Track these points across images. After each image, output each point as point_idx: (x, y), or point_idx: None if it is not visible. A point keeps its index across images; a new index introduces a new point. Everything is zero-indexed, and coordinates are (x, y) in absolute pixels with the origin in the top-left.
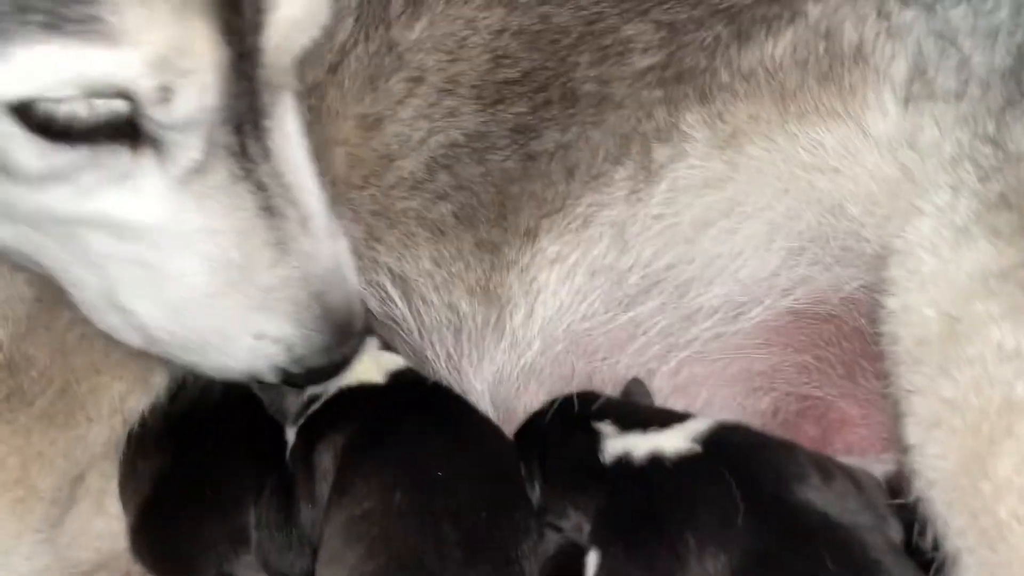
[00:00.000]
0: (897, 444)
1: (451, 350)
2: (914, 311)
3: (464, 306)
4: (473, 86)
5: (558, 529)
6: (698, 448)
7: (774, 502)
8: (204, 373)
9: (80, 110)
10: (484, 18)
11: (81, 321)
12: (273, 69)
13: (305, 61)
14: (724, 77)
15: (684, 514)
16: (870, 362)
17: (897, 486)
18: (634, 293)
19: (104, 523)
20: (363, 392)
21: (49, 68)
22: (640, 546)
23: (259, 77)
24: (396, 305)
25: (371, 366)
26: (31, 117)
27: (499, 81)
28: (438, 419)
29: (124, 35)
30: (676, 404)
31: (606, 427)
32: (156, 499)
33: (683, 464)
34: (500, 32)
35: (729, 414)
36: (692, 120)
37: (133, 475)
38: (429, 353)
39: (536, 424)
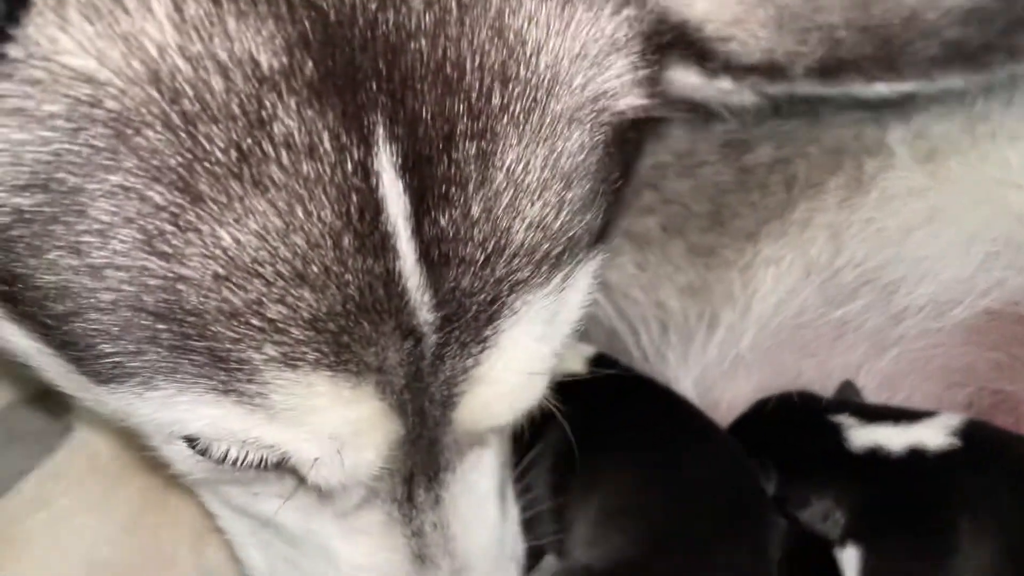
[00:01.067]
0: None
1: (658, 342)
2: None
3: (673, 303)
4: None
5: (795, 520)
6: (957, 441)
7: None
8: None
9: (234, 451)
10: None
11: None
12: (463, 435)
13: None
14: (920, 99)
15: (953, 503)
16: None
17: None
18: (846, 292)
19: None
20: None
21: (210, 422)
22: (911, 536)
23: (444, 441)
24: (597, 303)
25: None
26: (194, 444)
27: None
28: (662, 409)
29: (287, 413)
30: (878, 398)
31: (846, 419)
32: None
33: (945, 456)
34: None
35: (927, 407)
36: (897, 137)
37: None
38: (630, 342)
39: (762, 417)
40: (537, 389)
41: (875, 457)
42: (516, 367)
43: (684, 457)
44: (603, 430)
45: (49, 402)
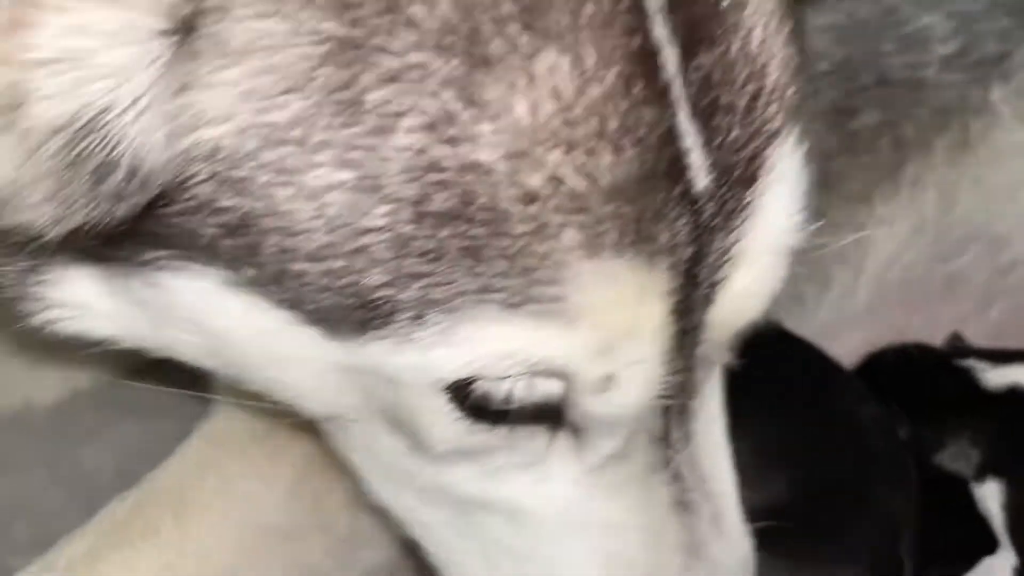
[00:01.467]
0: None
1: None
2: None
3: None
4: None
5: (927, 463)
6: None
7: None
8: None
9: (518, 390)
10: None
11: None
12: (711, 344)
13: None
14: (1018, 59)
15: None
16: None
17: None
18: (955, 247)
19: None
20: None
21: (500, 349)
22: None
23: (696, 355)
24: None
25: None
26: (465, 396)
27: (811, 75)
28: (798, 355)
29: (583, 317)
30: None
31: (974, 363)
32: None
33: None
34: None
35: None
36: (999, 96)
37: None
38: None
39: (884, 366)
40: (780, 275)
41: (1014, 395)
42: (771, 241)
43: (833, 402)
44: (745, 374)
45: (149, 376)
